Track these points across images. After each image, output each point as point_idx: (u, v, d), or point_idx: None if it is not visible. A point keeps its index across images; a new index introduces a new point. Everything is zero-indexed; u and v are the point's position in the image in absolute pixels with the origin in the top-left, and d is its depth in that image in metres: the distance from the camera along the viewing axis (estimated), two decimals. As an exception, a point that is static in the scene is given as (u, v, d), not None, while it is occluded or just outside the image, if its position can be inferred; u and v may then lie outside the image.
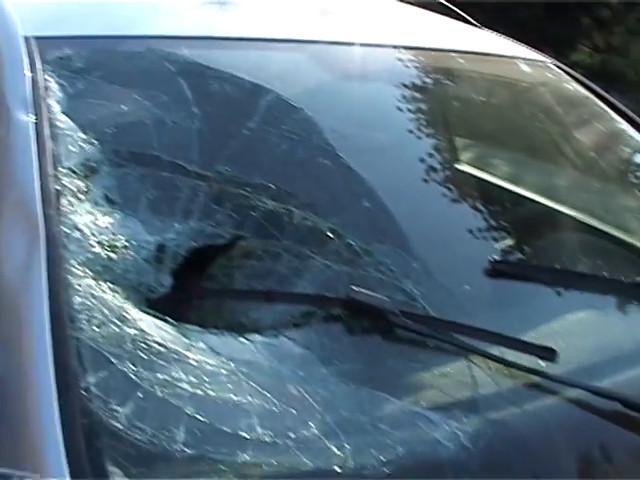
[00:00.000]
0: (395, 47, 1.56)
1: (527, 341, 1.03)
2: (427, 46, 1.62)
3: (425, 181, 1.36)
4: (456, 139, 1.64)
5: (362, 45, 1.52)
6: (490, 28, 2.07)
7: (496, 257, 1.24)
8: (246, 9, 1.61)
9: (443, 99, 1.72)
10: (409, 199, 1.30)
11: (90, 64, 1.22)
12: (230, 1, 1.67)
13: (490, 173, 1.65)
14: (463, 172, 1.59)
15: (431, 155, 1.42)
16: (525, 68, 1.82)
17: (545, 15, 7.80)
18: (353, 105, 1.42)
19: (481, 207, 1.38)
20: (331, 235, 1.12)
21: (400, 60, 1.56)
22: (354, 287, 1.04)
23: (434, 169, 1.40)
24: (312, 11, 1.69)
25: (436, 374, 1.01)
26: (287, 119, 1.26)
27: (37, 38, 1.23)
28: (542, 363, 1.01)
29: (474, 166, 1.66)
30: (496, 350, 1.02)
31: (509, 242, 1.36)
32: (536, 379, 0.99)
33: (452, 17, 2.01)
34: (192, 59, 1.30)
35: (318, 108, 1.31)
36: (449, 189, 1.41)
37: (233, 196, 1.12)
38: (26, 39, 1.22)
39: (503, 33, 2.00)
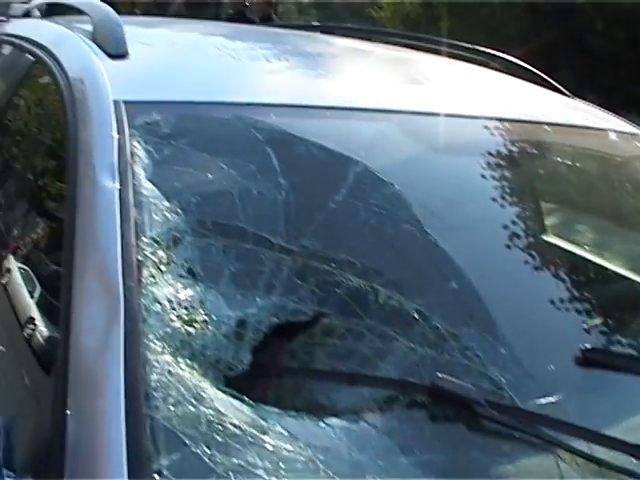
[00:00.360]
0: (485, 118, 1.55)
1: (619, 438, 0.98)
2: (518, 118, 1.60)
3: (514, 260, 1.32)
4: (547, 215, 1.61)
5: (452, 116, 1.50)
6: (579, 94, 2.07)
7: (588, 343, 1.19)
8: (336, 76, 1.62)
9: (533, 173, 1.70)
10: (497, 279, 1.26)
11: (177, 130, 1.23)
12: (321, 68, 1.69)
13: (582, 249, 1.61)
14: (554, 250, 1.56)
15: (521, 233, 1.38)
16: (617, 140, 1.79)
17: (634, 79, 7.74)
18: (442, 179, 1.39)
19: (573, 287, 1.33)
20: (416, 316, 1.09)
21: (490, 132, 1.54)
22: (439, 374, 1.01)
23: (524, 247, 1.36)
24: (404, 79, 1.68)
25: (521, 469, 0.97)
26: (375, 192, 1.24)
27: (126, 102, 1.26)
28: (635, 462, 0.96)
29: (565, 243, 1.63)
30: (586, 446, 0.97)
31: (602, 324, 1.31)
32: (628, 480, 0.93)
33: (542, 85, 2.00)
34: (280, 127, 1.30)
35: (406, 182, 1.29)
36: (539, 269, 1.37)
37: (317, 271, 1.10)
38: (115, 103, 1.25)
39: (592, 100, 1.99)
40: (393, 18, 24.84)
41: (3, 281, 1.37)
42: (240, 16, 10.00)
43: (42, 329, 1.14)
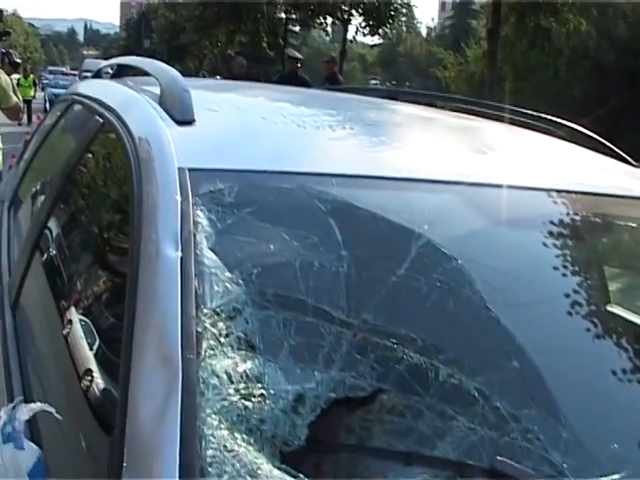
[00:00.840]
0: (548, 190, 1.53)
1: None
2: (581, 189, 1.58)
3: (578, 336, 1.30)
4: (613, 292, 1.58)
5: (515, 188, 1.50)
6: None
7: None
8: (400, 146, 1.63)
9: (598, 246, 1.67)
10: (560, 356, 1.24)
11: (240, 199, 1.25)
12: (384, 136, 1.71)
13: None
14: (618, 322, 1.53)
15: (585, 307, 1.35)
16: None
17: None
18: (505, 253, 1.38)
19: (639, 361, 1.30)
20: (477, 395, 1.08)
21: (554, 204, 1.52)
22: (499, 457, 0.99)
23: (588, 322, 1.33)
24: (468, 149, 1.69)
25: None
26: (437, 266, 1.24)
27: (191, 170, 1.29)
28: None
29: (630, 314, 1.59)
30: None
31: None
32: None
33: (608, 154, 1.98)
34: (342, 198, 1.31)
35: (469, 255, 1.29)
36: (603, 344, 1.33)
37: (377, 346, 1.10)
38: (180, 170, 1.28)
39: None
40: (457, 78, 24.93)
41: (64, 332, 1.41)
42: (292, 74, 10.40)
43: (99, 382, 1.16)
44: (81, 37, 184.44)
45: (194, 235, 1.16)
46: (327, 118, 1.80)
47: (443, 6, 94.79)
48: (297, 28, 36.50)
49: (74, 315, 1.44)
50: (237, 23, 32.04)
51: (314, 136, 1.59)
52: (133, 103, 1.74)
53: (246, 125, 1.62)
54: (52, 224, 1.99)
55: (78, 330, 1.37)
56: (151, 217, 1.21)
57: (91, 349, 1.29)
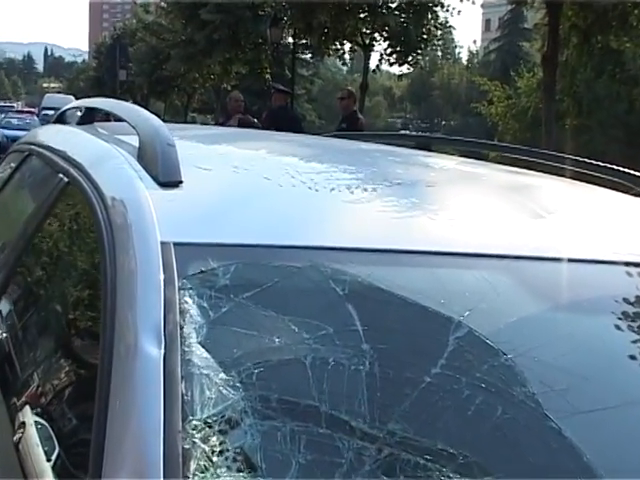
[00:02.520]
0: (621, 264, 1.54)
1: None
2: None
3: None
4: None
5: (580, 261, 1.50)
6: None
7: None
8: (434, 210, 1.64)
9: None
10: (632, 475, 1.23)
11: (239, 281, 1.27)
12: (415, 198, 1.73)
13: None
14: None
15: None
16: None
17: None
18: (569, 346, 1.38)
19: None
20: None
21: (628, 281, 1.53)
22: None
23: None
24: (520, 213, 1.70)
25: None
26: (481, 363, 1.24)
27: (177, 245, 1.31)
28: None
29: None
30: None
31: None
32: None
33: None
34: (363, 279, 1.33)
35: (521, 349, 1.29)
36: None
37: (407, 464, 1.10)
38: (164, 245, 1.30)
39: None
40: (506, 115, 25.12)
41: (15, 438, 1.40)
42: (281, 111, 10.72)
43: None
44: (40, 66, 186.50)
45: (181, 327, 1.17)
46: (345, 177, 1.82)
47: (487, 25, 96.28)
48: (308, 56, 37.11)
49: (28, 417, 1.45)
50: (234, 50, 32.65)
51: (329, 200, 1.61)
52: (105, 158, 1.77)
53: (246, 188, 1.64)
54: (3, 304, 2.01)
55: (33, 436, 1.38)
56: (127, 303, 1.23)
57: (48, 460, 1.29)
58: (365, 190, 1.67)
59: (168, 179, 1.50)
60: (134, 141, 1.68)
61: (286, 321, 1.23)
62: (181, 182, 1.50)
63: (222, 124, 11.20)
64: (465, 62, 78.67)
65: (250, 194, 1.59)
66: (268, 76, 32.83)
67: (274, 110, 11.51)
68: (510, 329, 1.36)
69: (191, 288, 1.24)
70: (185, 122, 38.40)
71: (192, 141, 2.31)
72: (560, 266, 1.49)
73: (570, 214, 1.81)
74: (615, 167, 2.25)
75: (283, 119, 10.08)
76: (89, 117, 2.51)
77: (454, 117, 67.98)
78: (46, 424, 1.39)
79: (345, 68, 71.39)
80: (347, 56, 30.62)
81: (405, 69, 32.01)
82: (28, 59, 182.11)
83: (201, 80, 37.83)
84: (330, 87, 63.33)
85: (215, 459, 1.03)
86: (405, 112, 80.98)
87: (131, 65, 43.71)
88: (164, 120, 1.81)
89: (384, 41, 27.91)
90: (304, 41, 29.00)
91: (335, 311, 1.27)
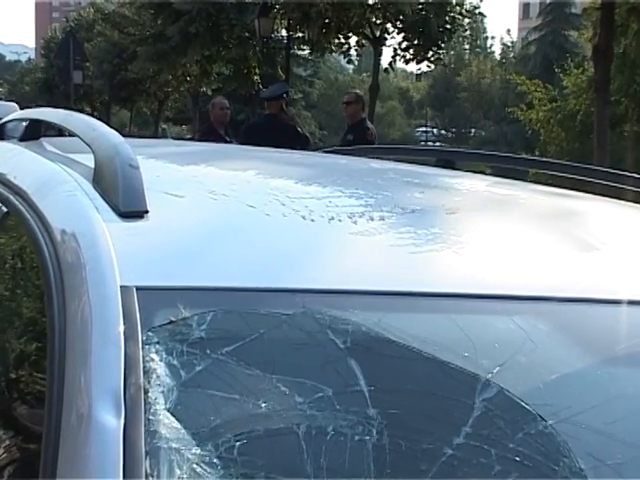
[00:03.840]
0: None
1: None
2: None
3: None
4: None
5: (630, 304, 1.51)
6: None
7: None
8: (456, 243, 1.65)
9: None
10: None
11: (216, 333, 1.27)
12: (433, 227, 1.74)
13: None
14: None
15: None
16: None
17: None
18: (623, 410, 1.38)
19: None
20: None
21: None
22: None
23: None
24: (563, 244, 1.70)
25: None
26: (514, 431, 1.24)
27: (140, 289, 1.32)
28: None
29: None
30: None
31: None
32: None
33: None
34: (370, 328, 1.33)
35: (565, 413, 1.29)
36: None
37: None
38: (124, 290, 1.31)
39: None
40: (548, 121, 25.16)
41: None
42: (272, 122, 10.66)
43: None
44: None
45: (145, 390, 1.17)
46: (347, 203, 1.83)
47: (525, 11, 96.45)
48: (305, 52, 37.23)
49: None
50: (215, 46, 32.74)
51: (327, 233, 1.62)
52: (54, 183, 1.78)
53: (225, 219, 1.65)
54: None
55: None
56: (79, 361, 1.23)
57: None
58: (372, 220, 1.68)
59: (130, 208, 1.51)
60: (89, 161, 1.69)
61: (275, 382, 1.23)
62: (146, 212, 1.51)
63: (201, 138, 11.19)
64: (498, 57, 79.02)
65: (231, 226, 1.60)
66: (257, 78, 32.92)
67: (258, 121, 11.48)
68: (551, 389, 1.37)
69: (158, 342, 1.25)
70: (155, 135, 38.52)
71: (161, 161, 2.33)
72: (616, 310, 1.50)
73: (630, 246, 1.82)
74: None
75: (277, 133, 9.99)
76: (35, 131, 2.51)
77: (486, 125, 68.19)
78: None
79: (351, 67, 71.67)
80: (353, 52, 30.50)
81: (425, 67, 31.81)
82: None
83: (175, 83, 37.84)
84: (333, 90, 63.59)
85: None
86: (426, 119, 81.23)
87: (88, 65, 43.70)
88: (128, 133, 1.81)
89: (398, 33, 27.71)
90: (300, 34, 28.87)
91: (335, 368, 1.28)
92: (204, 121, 15.36)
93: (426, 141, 71.93)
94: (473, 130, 71.43)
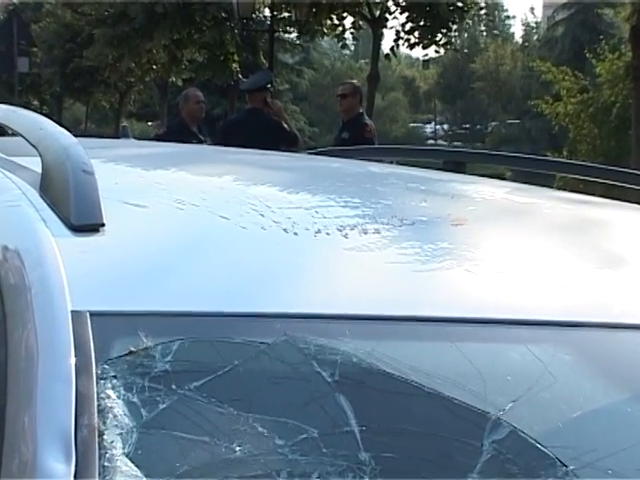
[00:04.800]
0: None
1: None
2: None
3: None
4: None
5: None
6: None
7: None
8: (471, 260, 1.67)
9: None
10: None
11: (184, 365, 1.28)
12: (440, 241, 1.77)
13: None
14: None
15: None
16: None
17: None
18: None
19: None
20: None
21: None
22: None
23: None
24: (600, 264, 1.72)
25: None
26: (529, 476, 1.25)
27: (95, 315, 1.32)
28: None
29: None
30: None
31: None
32: None
33: None
34: (362, 359, 1.34)
35: (588, 457, 1.29)
36: None
37: None
38: (75, 315, 1.31)
39: None
40: (578, 115, 25.11)
41: None
42: (253, 117, 10.61)
43: None
44: None
45: (100, 433, 1.18)
46: (339, 213, 1.84)
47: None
48: (292, 35, 37.12)
49: None
50: (185, 29, 32.57)
51: (314, 248, 1.64)
52: None
53: (195, 232, 1.67)
54: None
55: None
56: (22, 399, 1.24)
57: None
58: (365, 233, 1.69)
59: (84, 221, 1.52)
60: (36, 166, 1.69)
61: (251, 421, 1.24)
62: (102, 225, 1.52)
63: (170, 137, 11.03)
64: (520, 40, 78.94)
65: (201, 241, 1.61)
66: (235, 66, 32.76)
67: (238, 118, 11.40)
68: (574, 429, 1.37)
69: (115, 376, 1.25)
70: (115, 134, 38.39)
71: (121, 165, 2.33)
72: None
73: None
74: None
75: (253, 129, 9.97)
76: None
77: (505, 120, 68.05)
78: None
79: (347, 53, 71.63)
80: (349, 35, 30.34)
81: (432, 52, 31.66)
82: None
83: (139, 72, 37.59)
84: (325, 80, 63.56)
85: None
86: (434, 114, 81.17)
87: (36, 51, 43.53)
88: (84, 132, 1.82)
89: (401, 13, 27.52)
90: (287, 14, 28.75)
91: (321, 405, 1.28)
92: (174, 117, 15.32)
93: (435, 139, 71.85)
94: (490, 126, 71.26)
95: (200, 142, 10.32)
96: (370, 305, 1.46)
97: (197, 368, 1.29)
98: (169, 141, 8.68)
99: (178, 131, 10.97)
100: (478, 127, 73.60)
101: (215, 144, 9.23)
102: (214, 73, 33.25)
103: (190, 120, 11.20)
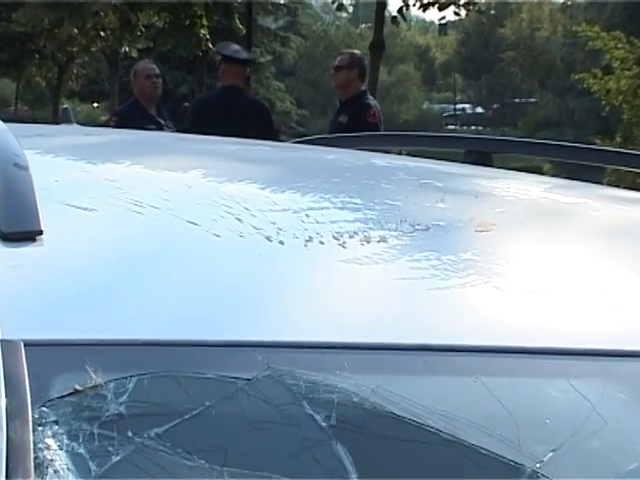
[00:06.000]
0: None
1: None
2: None
3: None
4: None
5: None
6: None
7: None
8: (485, 278, 1.68)
9: None
10: None
11: (142, 407, 1.30)
12: (449, 253, 1.77)
13: None
14: None
15: None
16: None
17: None
18: None
19: None
20: None
21: None
22: None
23: None
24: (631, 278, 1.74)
25: None
26: None
27: (29, 345, 1.33)
28: None
29: None
30: None
31: None
32: None
33: None
34: (364, 397, 1.35)
35: None
36: None
37: None
38: (6, 346, 1.32)
39: None
40: (634, 92, 25.38)
41: None
42: (231, 95, 10.61)
43: None
44: None
45: None
46: (335, 217, 1.85)
47: None
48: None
49: None
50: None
51: (304, 261, 1.66)
52: None
53: (156, 241, 1.68)
54: None
55: None
56: None
57: None
58: (368, 241, 1.70)
59: (16, 229, 1.53)
60: None
61: (227, 476, 1.25)
62: (40, 233, 1.54)
63: (122, 122, 10.97)
64: (560, -1, 79.10)
65: (163, 252, 1.62)
66: (204, 32, 32.72)
67: (211, 97, 11.39)
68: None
69: (56, 422, 1.26)
70: (54, 118, 38.35)
71: (62, 157, 2.34)
72: None
73: None
74: None
75: (231, 111, 9.97)
76: None
77: (543, 99, 68.15)
78: None
79: (344, 15, 71.72)
80: (346, -6, 30.27)
81: (451, 14, 31.60)
82: None
83: (83, 40, 37.47)
84: (317, 50, 63.59)
85: None
86: (454, 91, 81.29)
87: (-46, 14, 43.76)
88: (14, 115, 1.82)
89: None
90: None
91: (313, 456, 1.29)
92: (127, 96, 15.32)
93: (455, 124, 71.91)
94: (524, 107, 71.31)
95: (160, 128, 10.29)
96: (374, 332, 1.47)
97: (159, 411, 1.30)
98: (121, 127, 8.68)
99: (131, 114, 10.90)
100: (507, 108, 73.62)
101: (180, 130, 9.24)
102: (177, 42, 33.03)
103: (145, 100, 11.10)
